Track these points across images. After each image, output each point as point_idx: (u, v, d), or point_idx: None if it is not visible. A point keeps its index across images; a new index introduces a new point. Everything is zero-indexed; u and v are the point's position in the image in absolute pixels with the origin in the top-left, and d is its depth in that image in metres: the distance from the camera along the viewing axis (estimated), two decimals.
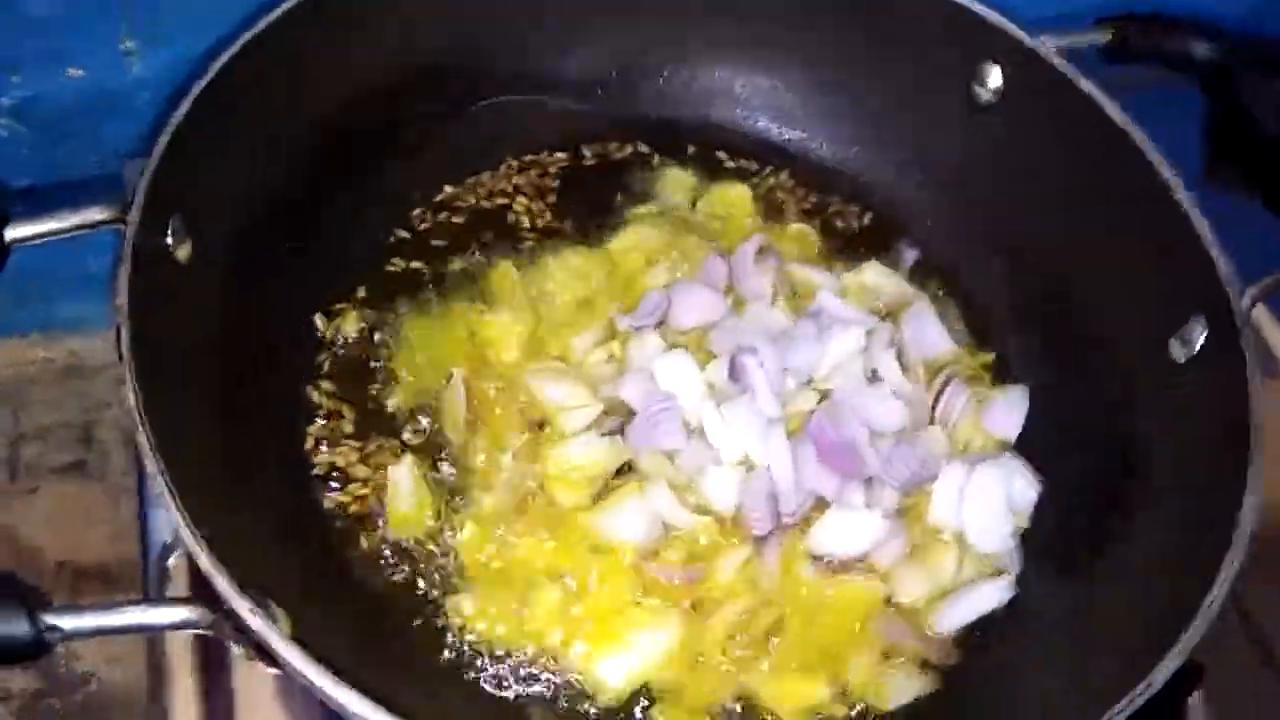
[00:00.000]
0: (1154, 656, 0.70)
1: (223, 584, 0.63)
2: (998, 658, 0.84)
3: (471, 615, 0.83)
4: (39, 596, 0.64)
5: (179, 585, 0.92)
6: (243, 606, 0.62)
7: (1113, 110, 0.90)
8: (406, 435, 0.89)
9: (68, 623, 0.63)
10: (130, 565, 1.18)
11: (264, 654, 0.67)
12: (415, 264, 0.98)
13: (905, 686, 0.83)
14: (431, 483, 0.87)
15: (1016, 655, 0.83)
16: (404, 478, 0.86)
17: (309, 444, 0.88)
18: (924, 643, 0.84)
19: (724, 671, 0.82)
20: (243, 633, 0.65)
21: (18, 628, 0.61)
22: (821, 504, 0.87)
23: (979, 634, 0.85)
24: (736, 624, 0.83)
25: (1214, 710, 0.86)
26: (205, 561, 0.63)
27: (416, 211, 1.00)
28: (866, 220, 1.04)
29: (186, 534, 0.64)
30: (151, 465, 0.65)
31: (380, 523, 0.85)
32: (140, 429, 0.66)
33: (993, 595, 0.86)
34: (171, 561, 0.94)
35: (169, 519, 0.93)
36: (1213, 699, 0.85)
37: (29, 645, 0.62)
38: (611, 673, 0.81)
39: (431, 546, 0.85)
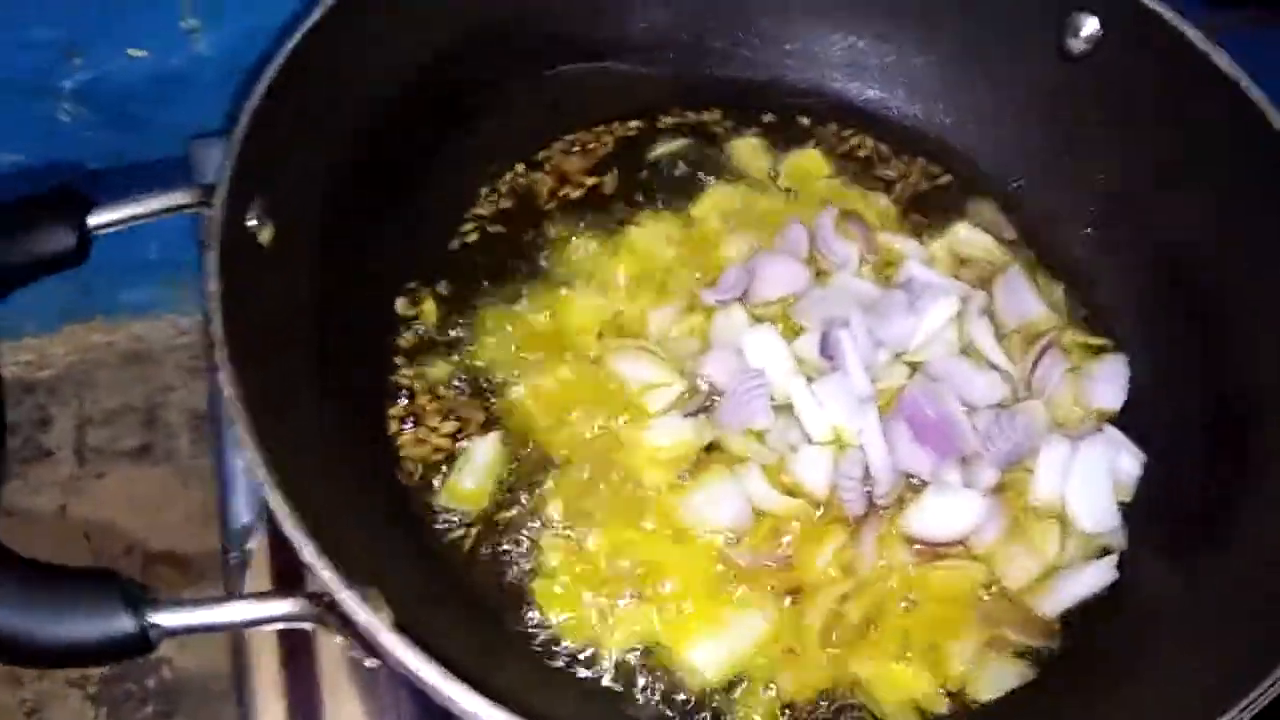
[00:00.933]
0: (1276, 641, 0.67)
1: (329, 576, 0.61)
2: (1106, 643, 0.80)
3: (560, 601, 0.81)
4: (139, 592, 0.62)
5: (260, 569, 0.91)
6: (351, 599, 0.61)
7: (1219, 57, 0.85)
8: (486, 416, 0.87)
9: (171, 620, 0.61)
10: (202, 547, 1.18)
11: (365, 644, 0.65)
12: (490, 242, 0.95)
13: (1005, 675, 0.80)
14: (505, 465, 0.85)
15: (1126, 639, 0.80)
16: (480, 454, 0.85)
17: (393, 427, 0.86)
18: (1027, 628, 0.81)
19: (822, 661, 0.79)
20: (347, 624, 0.63)
21: (122, 626, 0.60)
22: (914, 484, 0.84)
23: (1084, 618, 0.82)
24: (833, 611, 0.80)
25: None
26: (310, 554, 0.61)
27: (488, 190, 0.98)
28: (952, 182, 1.00)
29: (290, 526, 0.62)
30: (254, 457, 0.63)
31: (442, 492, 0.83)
32: (241, 421, 0.64)
33: (1099, 576, 0.82)
34: (251, 544, 0.93)
35: (246, 502, 0.94)
36: None
37: (133, 644, 0.61)
38: (705, 660, 0.79)
39: (520, 533, 0.83)
